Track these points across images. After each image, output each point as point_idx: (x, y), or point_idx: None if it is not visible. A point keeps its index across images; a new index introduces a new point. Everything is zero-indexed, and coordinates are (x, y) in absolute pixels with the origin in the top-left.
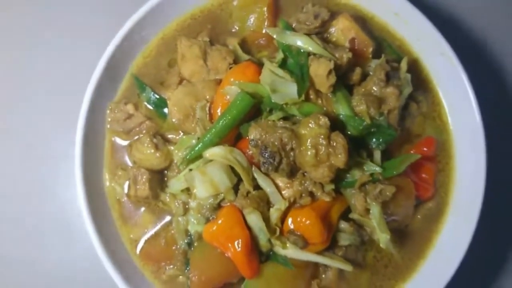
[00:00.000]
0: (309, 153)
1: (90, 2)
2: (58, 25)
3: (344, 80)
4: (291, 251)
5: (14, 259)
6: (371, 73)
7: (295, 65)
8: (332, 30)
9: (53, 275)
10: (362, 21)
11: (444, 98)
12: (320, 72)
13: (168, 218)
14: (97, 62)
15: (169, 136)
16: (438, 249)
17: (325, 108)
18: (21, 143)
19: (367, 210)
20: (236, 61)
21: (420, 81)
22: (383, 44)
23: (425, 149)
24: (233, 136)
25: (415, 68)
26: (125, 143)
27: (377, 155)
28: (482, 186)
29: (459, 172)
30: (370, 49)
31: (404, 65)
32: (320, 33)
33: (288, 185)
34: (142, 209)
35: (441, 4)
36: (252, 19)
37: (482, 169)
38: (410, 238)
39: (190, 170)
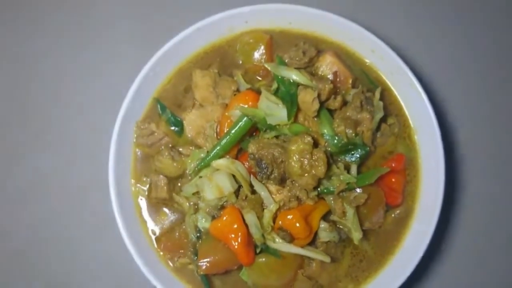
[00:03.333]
0: (295, 165)
1: (123, 35)
2: (94, 53)
3: (328, 105)
4: (280, 245)
5: (55, 250)
6: (350, 100)
7: (287, 94)
8: (319, 64)
9: (87, 261)
10: (344, 56)
11: (412, 122)
12: (307, 99)
13: (181, 216)
14: (127, 86)
15: (183, 149)
16: (405, 247)
17: (310, 129)
18: (63, 155)
19: (344, 213)
20: (239, 89)
21: (393, 107)
22: (362, 76)
23: (393, 164)
24: (235, 150)
25: (389, 96)
26: (148, 154)
27: (354, 168)
28: (441, 196)
29: (424, 183)
30: (350, 80)
31: (377, 94)
32: (308, 67)
33: (279, 191)
34: (160, 208)
35: (411, 44)
36: (254, 55)
37: (441, 182)
38: (382, 237)
39: (200, 177)
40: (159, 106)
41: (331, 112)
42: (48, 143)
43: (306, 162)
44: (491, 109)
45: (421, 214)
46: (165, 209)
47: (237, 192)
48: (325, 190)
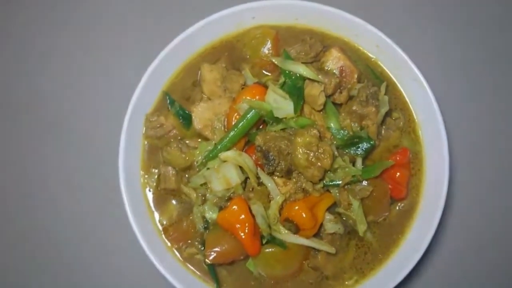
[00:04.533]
0: (302, 157)
1: (134, 31)
2: (106, 49)
3: (334, 100)
4: (286, 236)
5: (65, 240)
6: (355, 95)
7: (293, 87)
8: (325, 59)
9: (97, 249)
10: (350, 51)
11: (417, 116)
12: (313, 93)
13: (189, 207)
14: (137, 80)
15: (191, 142)
16: (409, 240)
17: (316, 122)
18: (75, 146)
19: (349, 205)
20: (246, 83)
21: (398, 102)
22: (367, 71)
23: (398, 158)
24: (243, 143)
25: (394, 91)
26: (156, 146)
27: (359, 161)
28: (445, 190)
29: (428, 177)
30: (356, 75)
31: (383, 88)
32: (315, 62)
33: (285, 183)
34: (169, 199)
35: (415, 39)
36: (261, 49)
37: (445, 176)
38: (387, 230)
39: (208, 168)
40: (168, 99)
41: (336, 106)
42: (61, 133)
43: (312, 154)
44: (488, 108)
45: (425, 207)
46: (173, 200)
47: (244, 184)
48: (330, 183)
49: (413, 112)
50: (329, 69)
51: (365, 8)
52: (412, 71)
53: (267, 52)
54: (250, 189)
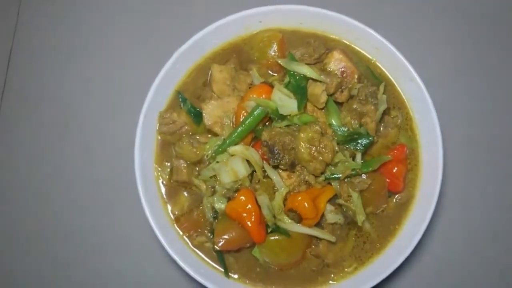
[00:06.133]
0: (305, 151)
1: (149, 34)
2: (124, 52)
3: (335, 98)
4: (290, 225)
5: (82, 232)
6: (355, 94)
7: (297, 87)
8: (327, 61)
9: (113, 237)
10: (351, 54)
11: (414, 115)
12: (316, 92)
13: (199, 198)
14: (152, 80)
15: (201, 137)
16: (405, 230)
17: (319, 119)
18: (89, 141)
19: (349, 197)
20: (254, 82)
21: (396, 101)
22: (367, 72)
23: (396, 153)
24: (250, 138)
25: (392, 90)
26: (169, 142)
27: (358, 155)
28: (439, 184)
29: (424, 172)
30: (356, 76)
31: (381, 88)
32: (318, 63)
33: (289, 176)
34: (180, 191)
35: (413, 42)
36: (267, 51)
37: (439, 171)
38: (384, 221)
39: (217, 162)
40: (180, 97)
41: (338, 104)
42: (82, 129)
43: (314, 149)
44: (482, 107)
45: (420, 200)
46: (185, 192)
47: (250, 176)
48: (331, 176)
49: (410, 110)
50: (331, 70)
51: (366, 13)
52: (409, 72)
53: (273, 54)
54: (257, 181)
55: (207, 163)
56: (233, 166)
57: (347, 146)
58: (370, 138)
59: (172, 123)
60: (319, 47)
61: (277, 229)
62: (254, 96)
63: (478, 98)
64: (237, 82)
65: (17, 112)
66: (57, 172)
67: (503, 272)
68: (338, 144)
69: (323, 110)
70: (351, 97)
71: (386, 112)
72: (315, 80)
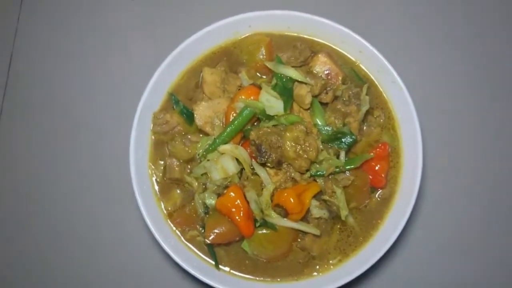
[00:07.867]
0: (290, 149)
1: (142, 38)
2: (118, 55)
3: (320, 99)
4: (276, 219)
5: (78, 230)
6: (340, 95)
7: (284, 88)
8: (313, 64)
9: (109, 233)
10: (336, 56)
11: (396, 115)
12: (301, 93)
13: (191, 194)
14: (146, 82)
15: (193, 137)
16: (387, 224)
17: (304, 119)
18: (86, 141)
19: (333, 193)
20: (243, 84)
21: (379, 101)
22: (351, 74)
23: (378, 151)
24: (239, 137)
25: (375, 91)
26: (162, 141)
27: (342, 154)
28: (418, 180)
29: (405, 169)
30: (340, 78)
31: (364, 89)
32: (304, 66)
33: (276, 173)
34: (173, 188)
35: (395, 45)
36: (256, 55)
37: (419, 168)
38: (367, 215)
39: (208, 160)
40: (173, 99)
41: (323, 105)
42: (78, 130)
43: (299, 147)
44: (461, 108)
45: (402, 196)
46: (177, 189)
47: (239, 174)
48: (316, 173)
49: (392, 111)
50: (316, 72)
51: (351, 18)
52: (391, 74)
53: (261, 57)
54: (245, 178)
55: (199, 161)
56: (223, 164)
57: (332, 145)
58: (353, 137)
59: (165, 123)
60: (305, 50)
61: (265, 224)
62: (243, 97)
63: (458, 99)
64: (227, 84)
65: (17, 113)
66: (54, 172)
67: (487, 265)
68: (322, 142)
69: (309, 111)
70: (335, 98)
71: (369, 112)
72: (301, 82)
